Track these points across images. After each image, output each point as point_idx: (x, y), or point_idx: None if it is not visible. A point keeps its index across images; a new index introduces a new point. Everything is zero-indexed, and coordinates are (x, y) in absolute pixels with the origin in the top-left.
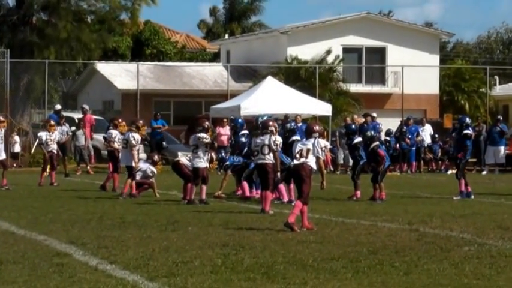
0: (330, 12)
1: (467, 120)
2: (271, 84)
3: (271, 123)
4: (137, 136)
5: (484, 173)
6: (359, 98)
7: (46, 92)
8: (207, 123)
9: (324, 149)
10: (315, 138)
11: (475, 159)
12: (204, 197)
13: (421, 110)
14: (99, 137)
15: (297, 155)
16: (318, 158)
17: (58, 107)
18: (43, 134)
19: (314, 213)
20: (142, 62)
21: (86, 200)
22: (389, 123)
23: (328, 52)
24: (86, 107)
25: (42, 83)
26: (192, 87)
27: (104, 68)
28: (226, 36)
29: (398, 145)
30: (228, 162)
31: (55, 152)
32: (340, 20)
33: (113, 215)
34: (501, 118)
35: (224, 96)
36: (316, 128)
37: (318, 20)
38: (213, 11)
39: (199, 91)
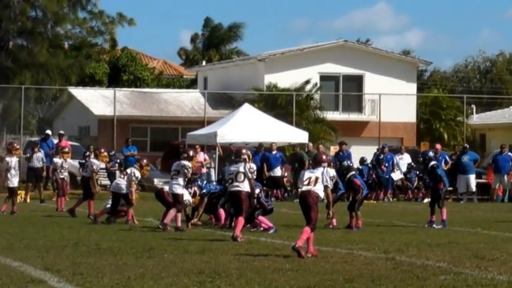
0: (310, 40)
1: (430, 153)
2: (247, 112)
3: (244, 151)
4: (138, 173)
5: (462, 202)
6: (336, 125)
7: (22, 117)
8: (191, 152)
9: (332, 178)
10: (324, 167)
11: (451, 188)
12: (179, 224)
13: (398, 138)
14: (74, 163)
15: (305, 183)
16: (326, 187)
17: (49, 132)
18: (58, 161)
19: (290, 240)
20: (119, 88)
21: (61, 226)
22: (366, 152)
23: (307, 82)
24: (62, 132)
25: (18, 109)
26: (168, 113)
27: (81, 93)
28: (204, 62)
29: (374, 173)
30: (204, 190)
31: (66, 179)
32: (317, 47)
33: (89, 242)
34: (468, 147)
35: (201, 123)
36: (325, 157)
37: (296, 47)
38: (193, 38)
39: (176, 117)
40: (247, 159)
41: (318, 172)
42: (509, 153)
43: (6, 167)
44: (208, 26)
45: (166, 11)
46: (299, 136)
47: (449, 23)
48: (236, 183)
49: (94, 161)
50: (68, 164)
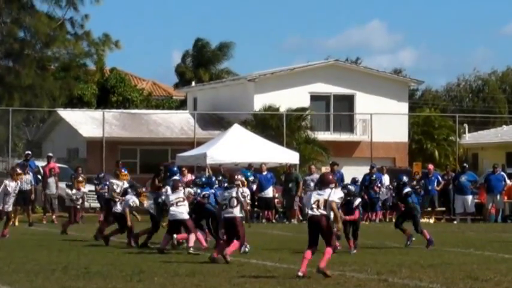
0: (303, 58)
1: (404, 178)
2: (237, 132)
3: (238, 176)
4: (137, 201)
5: (455, 222)
6: (327, 146)
7: (10, 140)
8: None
9: (340, 199)
10: (331, 188)
11: (443, 209)
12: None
13: (389, 158)
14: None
15: (313, 206)
16: (332, 202)
17: (29, 152)
18: (78, 193)
19: (282, 262)
20: (107, 110)
21: (50, 249)
22: (358, 172)
23: (304, 109)
24: (51, 154)
25: (6, 131)
26: (158, 134)
27: (69, 115)
28: (193, 83)
29: (366, 194)
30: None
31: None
32: (308, 67)
33: (78, 265)
34: (467, 166)
35: (191, 144)
36: (331, 177)
37: (286, 67)
38: (185, 57)
39: (165, 139)
40: (241, 184)
41: (326, 194)
42: (502, 173)
43: (5, 191)
44: (197, 46)
45: (156, 31)
46: (290, 157)
47: (443, 42)
48: (230, 209)
49: (114, 181)
50: (81, 193)
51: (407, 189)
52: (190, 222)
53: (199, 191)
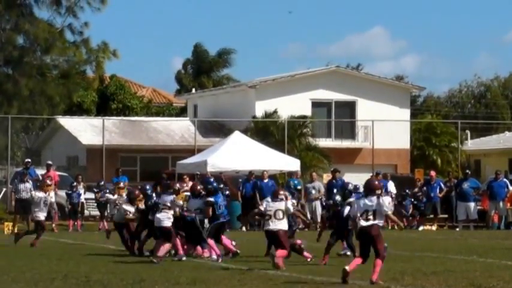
0: (304, 65)
1: (350, 186)
2: (238, 140)
3: (281, 192)
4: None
5: (458, 229)
6: (328, 153)
7: (9, 148)
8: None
9: (390, 204)
10: (378, 196)
11: (446, 215)
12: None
13: (391, 165)
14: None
15: (363, 216)
16: (387, 216)
17: (29, 160)
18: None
19: (284, 271)
20: (107, 117)
21: (50, 258)
22: (359, 179)
23: (304, 117)
24: (50, 162)
25: (5, 139)
26: (158, 142)
27: (69, 123)
28: (194, 90)
29: None
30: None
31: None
32: (309, 73)
33: (78, 274)
34: (469, 173)
35: (191, 151)
36: (377, 183)
37: (287, 73)
38: (185, 64)
39: (165, 146)
40: (285, 198)
41: (374, 203)
42: (505, 180)
43: (33, 201)
44: (196, 53)
45: (156, 38)
46: (291, 164)
47: (445, 48)
48: (274, 221)
49: (128, 207)
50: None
51: (351, 200)
52: (171, 231)
53: (212, 199)
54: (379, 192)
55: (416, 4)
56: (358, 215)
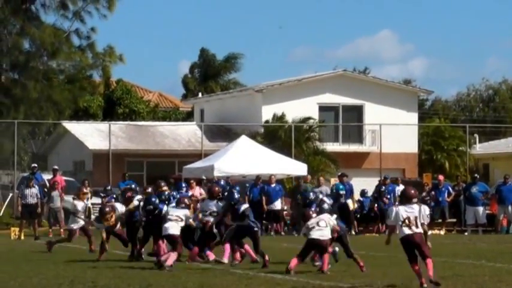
0: (312, 69)
1: (311, 195)
2: (245, 144)
3: (325, 205)
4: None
5: (466, 233)
6: (336, 157)
7: (15, 153)
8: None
9: (428, 216)
10: (416, 203)
11: (454, 220)
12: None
13: (399, 169)
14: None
15: (405, 222)
16: (422, 225)
17: (35, 165)
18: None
19: (291, 276)
20: (114, 122)
21: (57, 263)
22: (367, 183)
23: (309, 118)
24: (56, 167)
25: (11, 144)
26: (165, 147)
27: (75, 127)
28: (200, 94)
29: (376, 205)
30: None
31: None
32: (316, 77)
33: (85, 279)
34: (478, 177)
35: (198, 155)
36: (414, 192)
37: (294, 77)
38: (192, 68)
39: (172, 151)
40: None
41: (416, 211)
42: None
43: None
44: (203, 57)
45: (162, 42)
46: (298, 168)
47: (454, 51)
48: (319, 229)
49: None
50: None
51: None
52: (179, 240)
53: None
54: (415, 200)
55: (425, 7)
56: (400, 223)
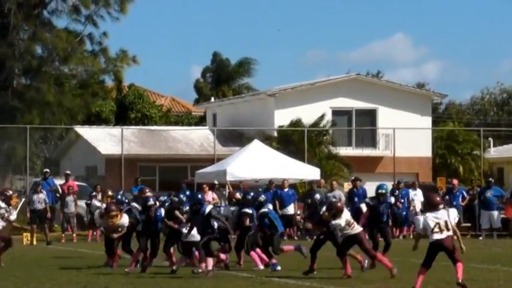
0: (325, 73)
1: (262, 197)
2: (258, 148)
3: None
4: None
5: (481, 238)
6: (349, 161)
7: (28, 158)
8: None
9: (455, 219)
10: (445, 209)
11: (469, 224)
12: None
13: (413, 173)
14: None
15: (436, 230)
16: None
17: (47, 170)
18: None
19: (304, 281)
20: (126, 126)
21: (69, 269)
22: None
23: (322, 117)
24: (69, 172)
25: (24, 149)
26: (177, 151)
27: (87, 132)
28: (213, 99)
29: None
30: None
31: None
32: (329, 81)
33: (97, 285)
34: (492, 181)
35: (211, 160)
36: (438, 199)
37: (307, 81)
38: (204, 73)
39: (185, 155)
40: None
41: (445, 215)
42: None
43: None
44: (216, 61)
45: (174, 46)
46: (311, 172)
47: (468, 55)
48: (348, 228)
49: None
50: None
51: (263, 210)
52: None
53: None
54: (441, 207)
55: (439, 10)
56: (430, 230)
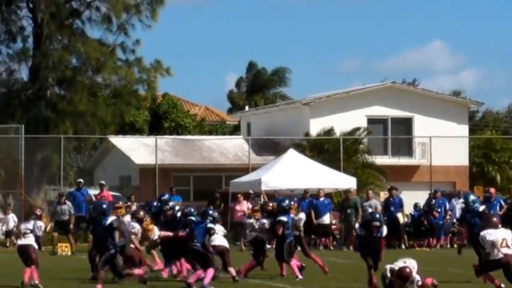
0: (360, 81)
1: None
2: (293, 157)
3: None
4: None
5: None
6: (385, 170)
7: (62, 168)
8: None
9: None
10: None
11: None
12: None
13: (450, 182)
14: None
15: (502, 245)
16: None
17: (81, 180)
18: None
19: None
20: (160, 136)
21: (83, 278)
22: (417, 197)
23: (358, 129)
24: (103, 182)
25: (58, 159)
26: (211, 161)
27: (121, 142)
28: (247, 108)
29: (426, 219)
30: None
31: None
32: (364, 90)
33: None
34: None
35: (245, 169)
36: (495, 219)
37: (342, 90)
38: (239, 82)
39: (219, 165)
40: None
41: (505, 233)
42: None
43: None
44: (251, 71)
45: (209, 56)
46: (346, 182)
47: (505, 62)
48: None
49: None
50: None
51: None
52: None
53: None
54: (500, 226)
55: (476, 18)
56: (498, 245)
